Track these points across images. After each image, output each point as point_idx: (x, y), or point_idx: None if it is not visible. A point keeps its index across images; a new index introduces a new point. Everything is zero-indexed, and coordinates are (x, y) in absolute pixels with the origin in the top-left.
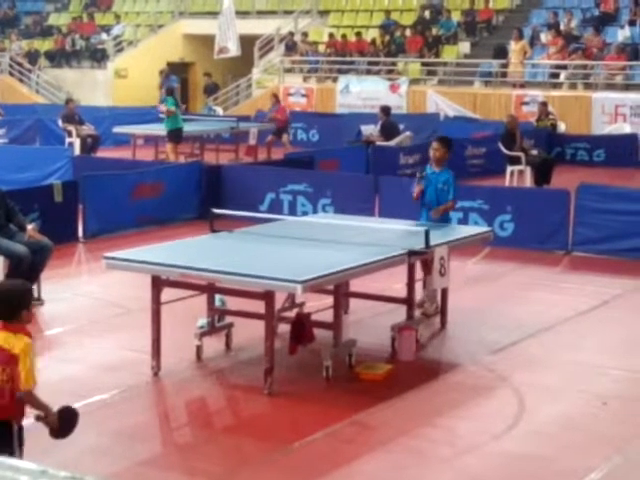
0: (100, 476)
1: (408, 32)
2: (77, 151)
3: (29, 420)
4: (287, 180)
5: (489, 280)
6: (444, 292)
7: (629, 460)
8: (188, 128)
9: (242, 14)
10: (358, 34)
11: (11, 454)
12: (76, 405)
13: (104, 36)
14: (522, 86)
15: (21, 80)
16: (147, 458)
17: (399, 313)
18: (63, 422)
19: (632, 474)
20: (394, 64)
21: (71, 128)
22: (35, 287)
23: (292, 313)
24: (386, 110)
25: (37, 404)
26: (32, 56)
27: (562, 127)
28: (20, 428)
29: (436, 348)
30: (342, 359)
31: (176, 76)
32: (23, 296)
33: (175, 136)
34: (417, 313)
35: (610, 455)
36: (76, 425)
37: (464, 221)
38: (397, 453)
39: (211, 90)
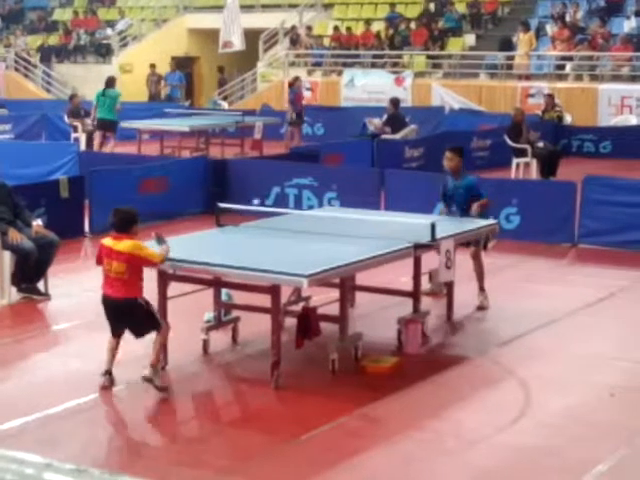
0: (106, 469)
1: (413, 25)
2: (83, 146)
3: (45, 412)
4: (292, 174)
5: (495, 273)
6: (450, 285)
7: (637, 452)
8: (193, 122)
9: (246, 8)
10: (366, 24)
11: (154, 317)
12: (83, 400)
13: (109, 31)
14: (528, 78)
15: (26, 76)
16: (154, 451)
17: (405, 306)
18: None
19: (639, 466)
20: (399, 57)
21: (77, 123)
22: (42, 282)
23: (298, 307)
24: (395, 102)
25: (165, 255)
26: (44, 51)
27: (568, 119)
28: (146, 302)
29: (442, 341)
30: (348, 352)
31: (180, 71)
32: (134, 215)
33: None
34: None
35: (617, 447)
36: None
37: None
38: (403, 445)
39: (222, 84)
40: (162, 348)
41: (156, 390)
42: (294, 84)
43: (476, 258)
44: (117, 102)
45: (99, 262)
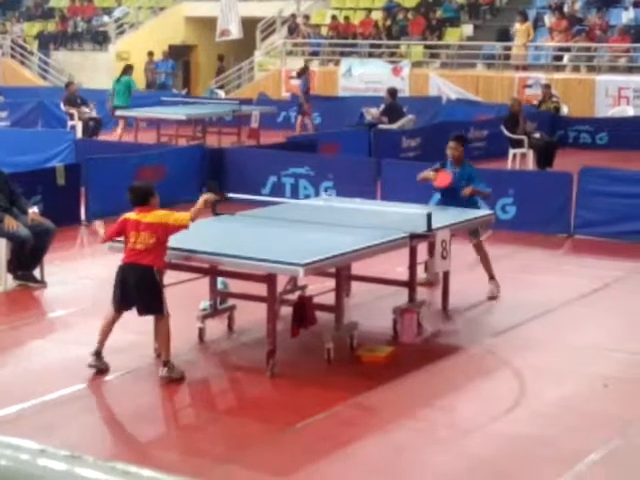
0: (102, 456)
1: (411, 14)
2: (79, 134)
3: (41, 399)
4: (289, 163)
5: (491, 263)
6: (446, 275)
7: (629, 442)
8: (190, 111)
9: None
10: (367, 12)
11: (162, 300)
12: (80, 387)
13: (105, 18)
14: (525, 69)
15: (22, 63)
16: (150, 439)
17: (401, 296)
18: (213, 192)
19: (632, 456)
20: (397, 47)
21: (73, 111)
22: (38, 270)
23: (294, 296)
24: (392, 92)
25: (198, 214)
26: (43, 39)
27: (565, 110)
28: (160, 273)
29: (437, 330)
30: (344, 341)
31: (173, 59)
32: (150, 188)
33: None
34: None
35: (610, 437)
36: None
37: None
38: (397, 434)
39: (222, 73)
40: (168, 339)
41: (176, 382)
42: (304, 73)
43: (479, 249)
44: (129, 88)
45: (115, 236)
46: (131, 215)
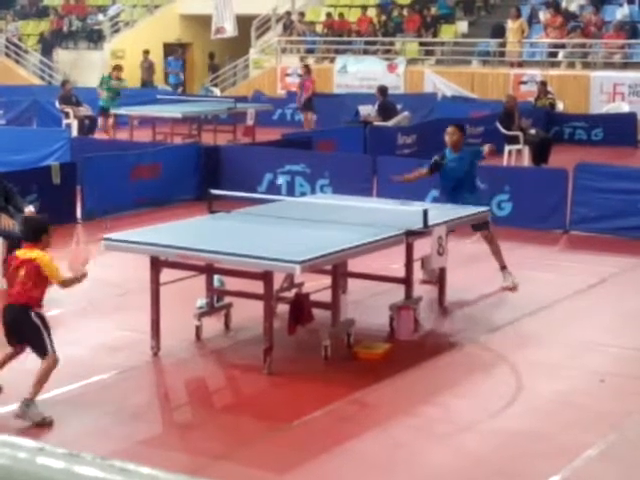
0: (100, 454)
1: (405, 11)
2: (75, 132)
3: (37, 398)
4: (285, 161)
5: (487, 259)
6: (442, 271)
7: (625, 437)
8: (186, 109)
9: None
10: (362, 9)
11: (38, 331)
12: (76, 385)
13: (100, 17)
14: (520, 65)
15: (17, 62)
16: (147, 437)
17: (397, 293)
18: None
19: (628, 450)
20: (392, 44)
21: (68, 110)
22: None
23: (291, 293)
24: (383, 90)
25: (72, 283)
26: (45, 41)
27: (560, 106)
28: (38, 314)
29: (434, 327)
30: (341, 339)
31: (174, 58)
32: (43, 225)
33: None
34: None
35: (607, 432)
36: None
37: None
38: (395, 431)
39: (214, 70)
40: (41, 383)
41: (35, 424)
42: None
43: (490, 241)
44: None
45: (7, 275)
46: (19, 252)
